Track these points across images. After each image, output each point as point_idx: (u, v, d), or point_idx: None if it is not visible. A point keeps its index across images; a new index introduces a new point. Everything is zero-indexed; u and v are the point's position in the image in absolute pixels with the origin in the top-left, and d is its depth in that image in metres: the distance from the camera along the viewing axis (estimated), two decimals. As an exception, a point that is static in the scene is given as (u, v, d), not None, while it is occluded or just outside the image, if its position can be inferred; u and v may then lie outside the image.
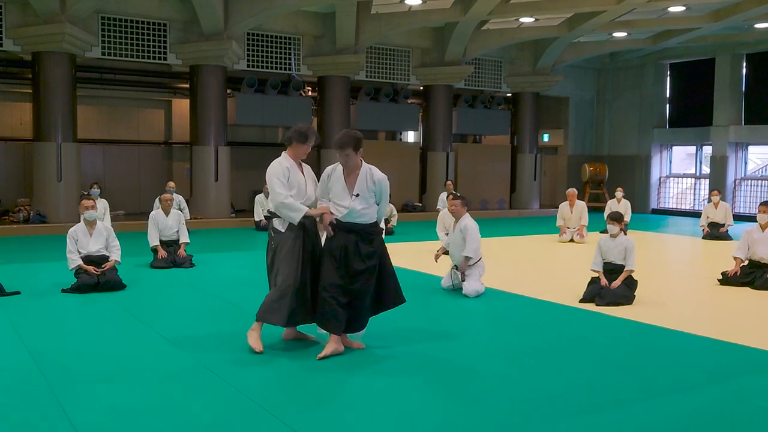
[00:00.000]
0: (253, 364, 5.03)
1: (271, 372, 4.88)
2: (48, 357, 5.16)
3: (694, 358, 5.52)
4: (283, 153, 5.48)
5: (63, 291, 7.51)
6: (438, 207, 13.95)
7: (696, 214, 18.98)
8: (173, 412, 4.08)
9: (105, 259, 7.81)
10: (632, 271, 7.44)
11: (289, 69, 16.50)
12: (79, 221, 7.92)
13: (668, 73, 21.35)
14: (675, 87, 21.33)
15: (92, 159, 16.38)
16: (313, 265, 5.38)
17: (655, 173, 21.63)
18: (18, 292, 7.35)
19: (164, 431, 3.78)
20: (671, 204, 21.58)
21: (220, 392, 4.44)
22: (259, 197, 14.66)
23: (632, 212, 15.94)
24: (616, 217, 7.56)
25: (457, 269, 7.97)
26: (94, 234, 7.79)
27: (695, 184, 21.10)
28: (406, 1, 15.42)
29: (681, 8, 15.56)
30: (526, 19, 16.79)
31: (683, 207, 21.19)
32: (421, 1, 15.42)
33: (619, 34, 18.42)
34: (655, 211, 21.49)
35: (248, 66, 15.99)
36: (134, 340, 5.74)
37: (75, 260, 7.61)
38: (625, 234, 7.89)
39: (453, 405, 4.28)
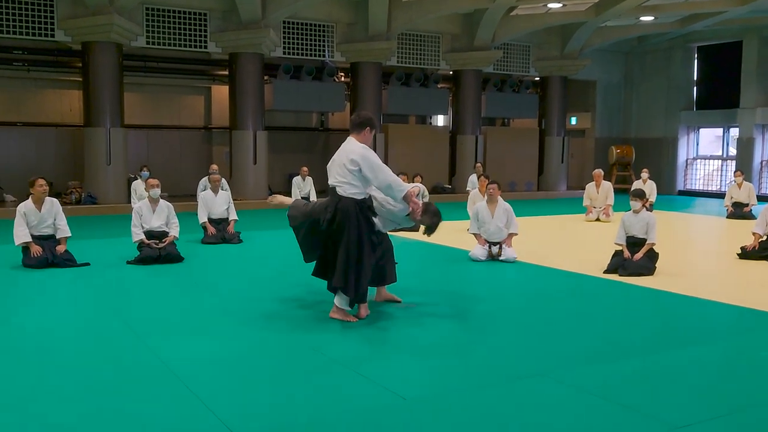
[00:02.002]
0: (309, 319, 5.69)
1: (326, 324, 5.52)
2: (132, 316, 5.88)
3: (709, 319, 6.09)
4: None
5: (128, 263, 8.23)
6: (468, 189, 14.48)
7: (723, 196, 19.24)
8: (252, 359, 4.77)
9: (165, 234, 8.51)
10: (654, 244, 7.95)
11: (323, 56, 17.08)
12: (128, 201, 8.59)
13: (695, 56, 21.56)
14: (702, 70, 21.55)
15: (137, 143, 17.14)
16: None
17: (682, 155, 21.89)
18: (88, 264, 8.08)
19: (251, 375, 4.47)
20: (698, 186, 21.85)
21: (287, 342, 5.10)
22: (296, 179, 15.32)
23: (659, 194, 16.31)
24: (639, 194, 8.08)
25: (493, 245, 8.72)
26: (156, 211, 8.51)
27: (722, 165, 21.33)
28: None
29: (708, -8, 15.84)
30: (554, 5, 17.16)
31: (710, 188, 21.45)
32: (451, -11, 15.88)
33: (647, 18, 18.69)
34: (682, 193, 21.78)
35: (284, 53, 16.62)
36: (203, 302, 6.44)
37: (138, 234, 8.34)
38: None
39: (486, 350, 4.89)
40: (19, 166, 15.76)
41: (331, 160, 5.83)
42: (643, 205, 8.12)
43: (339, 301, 5.73)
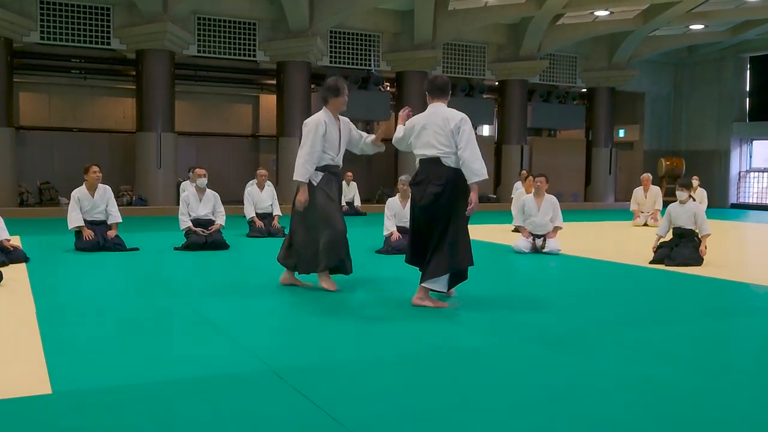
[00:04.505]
0: (353, 284, 5.75)
1: (365, 286, 5.57)
2: (177, 285, 6.02)
3: (754, 298, 6.01)
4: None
5: (175, 249, 8.43)
6: (512, 196, 14.42)
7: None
8: (290, 313, 4.91)
9: (211, 222, 8.70)
10: (709, 234, 7.78)
11: (369, 65, 17.29)
12: (177, 204, 8.82)
13: (748, 66, 21.15)
14: (755, 80, 21.11)
15: (186, 150, 17.55)
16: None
17: (734, 168, 21.41)
18: (137, 249, 8.30)
19: (288, 325, 4.58)
20: (753, 199, 21.30)
21: (322, 305, 5.18)
22: (341, 185, 15.48)
23: (710, 206, 15.96)
24: (685, 184, 7.97)
25: (537, 238, 8.73)
26: (203, 200, 8.72)
27: (776, 178, 20.79)
28: (482, -3, 16.01)
29: (760, -3, 15.58)
30: (601, 13, 17.08)
31: (765, 202, 20.87)
32: (497, -4, 15.97)
33: (696, 27, 18.44)
34: (735, 206, 21.25)
35: (331, 62, 16.89)
36: (247, 277, 6.59)
37: (186, 222, 8.53)
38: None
39: (530, 320, 4.87)
40: (74, 170, 16.22)
41: (418, 127, 5.21)
42: (690, 196, 7.97)
43: (436, 284, 5.11)
